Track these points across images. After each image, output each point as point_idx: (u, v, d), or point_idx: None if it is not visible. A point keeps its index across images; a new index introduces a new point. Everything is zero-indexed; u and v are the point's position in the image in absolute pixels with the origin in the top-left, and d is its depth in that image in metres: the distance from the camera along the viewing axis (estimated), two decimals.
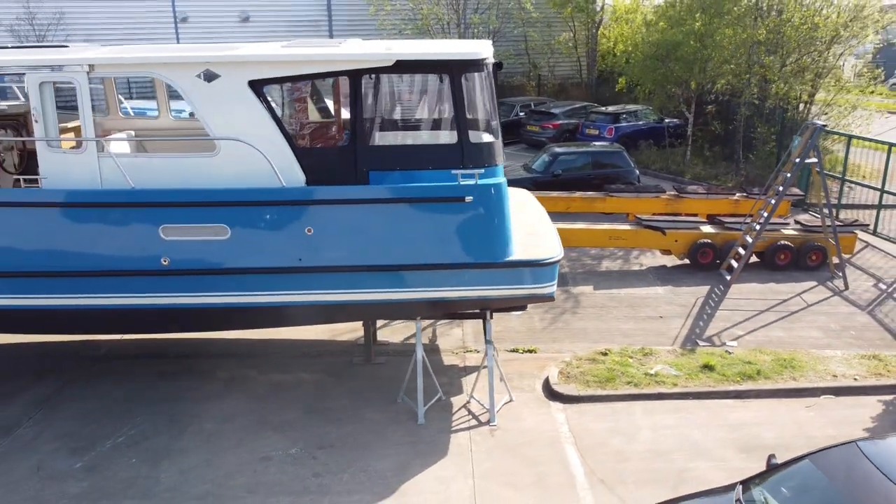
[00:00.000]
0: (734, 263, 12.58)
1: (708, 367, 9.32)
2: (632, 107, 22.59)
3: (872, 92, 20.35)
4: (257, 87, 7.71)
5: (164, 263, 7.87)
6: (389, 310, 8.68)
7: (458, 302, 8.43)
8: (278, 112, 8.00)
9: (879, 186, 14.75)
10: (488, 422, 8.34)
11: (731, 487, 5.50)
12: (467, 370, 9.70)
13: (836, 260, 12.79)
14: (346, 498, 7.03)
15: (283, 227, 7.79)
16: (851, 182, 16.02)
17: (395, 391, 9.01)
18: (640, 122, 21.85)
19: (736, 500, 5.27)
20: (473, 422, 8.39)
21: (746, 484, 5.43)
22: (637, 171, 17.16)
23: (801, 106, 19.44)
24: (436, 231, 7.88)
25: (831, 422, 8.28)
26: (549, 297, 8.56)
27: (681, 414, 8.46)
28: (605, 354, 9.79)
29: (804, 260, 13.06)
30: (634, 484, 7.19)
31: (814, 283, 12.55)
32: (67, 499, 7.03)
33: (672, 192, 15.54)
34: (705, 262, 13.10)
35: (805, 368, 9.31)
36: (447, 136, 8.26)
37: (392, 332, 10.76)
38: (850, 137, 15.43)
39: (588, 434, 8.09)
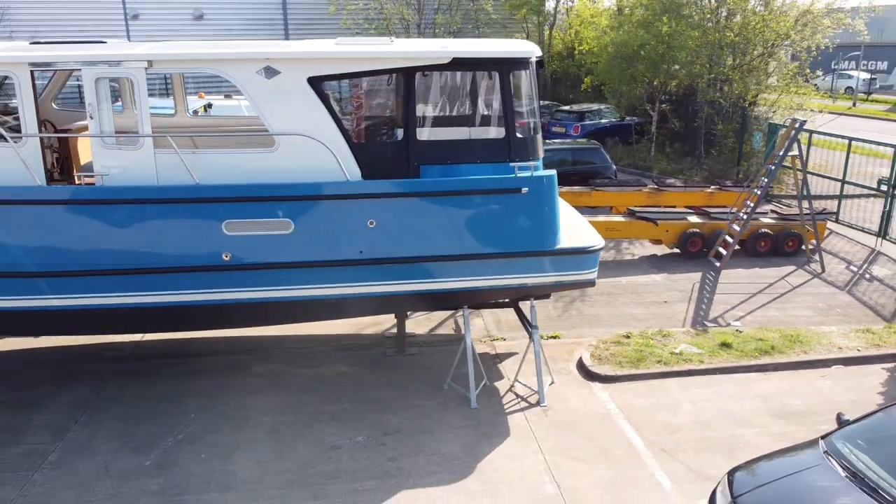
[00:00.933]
0: (722, 251, 13.45)
1: (726, 345, 10.03)
2: (595, 105, 23.48)
3: (796, 92, 21.64)
4: (316, 83, 7.86)
5: (225, 259, 7.91)
6: (438, 299, 8.95)
7: (507, 289, 8.79)
8: (335, 108, 8.15)
9: (841, 178, 15.99)
10: (538, 403, 8.74)
11: (813, 443, 6.10)
12: (500, 357, 10.08)
13: (812, 245, 13.86)
14: (427, 478, 7.28)
15: (347, 220, 7.97)
16: (813, 174, 17.26)
17: (436, 379, 9.30)
18: (604, 121, 22.75)
19: (823, 452, 5.87)
20: (524, 403, 8.77)
21: (827, 438, 6.04)
22: (614, 167, 17.95)
23: (751, 105, 20.74)
24: (492, 221, 8.22)
25: (847, 388, 9.09)
26: (591, 283, 9.04)
27: (713, 388, 9.10)
28: (628, 337, 10.35)
29: (782, 246, 14.06)
30: (693, 451, 7.74)
31: (793, 268, 13.55)
32: (149, 495, 7.01)
33: (653, 186, 16.39)
34: (694, 251, 13.92)
35: (812, 343, 10.14)
36: (495, 132, 8.62)
37: (416, 325, 11.02)
38: (812, 133, 16.63)
39: (634, 410, 8.61)
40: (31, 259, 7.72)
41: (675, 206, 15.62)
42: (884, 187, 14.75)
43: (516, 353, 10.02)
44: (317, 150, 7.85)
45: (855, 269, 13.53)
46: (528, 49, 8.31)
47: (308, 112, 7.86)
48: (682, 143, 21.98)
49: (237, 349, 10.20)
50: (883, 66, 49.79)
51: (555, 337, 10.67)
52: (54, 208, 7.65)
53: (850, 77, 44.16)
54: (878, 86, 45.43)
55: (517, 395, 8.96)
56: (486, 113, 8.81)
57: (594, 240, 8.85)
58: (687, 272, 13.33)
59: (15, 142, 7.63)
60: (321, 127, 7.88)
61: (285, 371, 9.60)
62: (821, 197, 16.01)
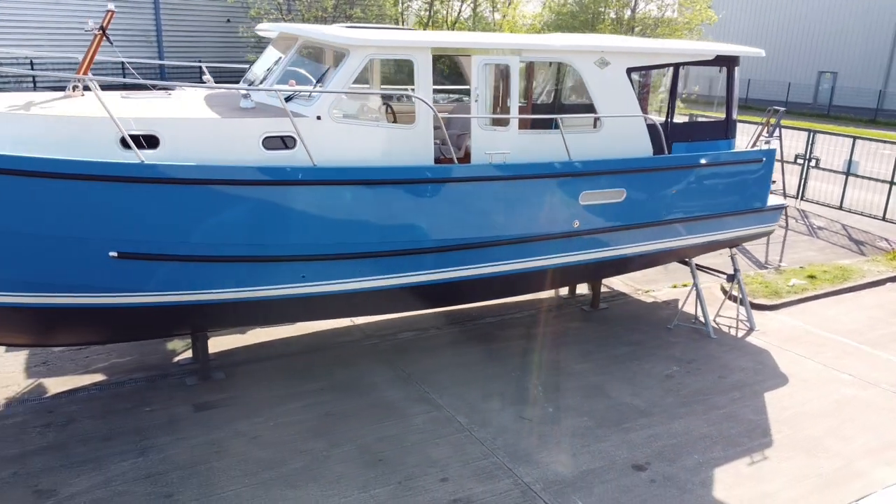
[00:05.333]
0: None
1: (811, 277, 13.32)
2: None
3: None
4: (630, 73, 9.31)
5: (575, 226, 9.01)
6: (700, 250, 10.83)
7: (732, 241, 11.00)
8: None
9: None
10: (750, 329, 11.09)
11: None
12: (668, 303, 12.21)
13: None
14: (763, 384, 9.26)
15: (662, 188, 9.53)
16: None
17: (640, 325, 11.12)
18: None
19: None
20: (742, 331, 11.06)
21: None
22: None
23: None
24: (741, 185, 10.38)
25: None
26: (772, 232, 11.65)
27: (842, 305, 12.25)
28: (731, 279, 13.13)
29: None
30: (888, 341, 10.72)
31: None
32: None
33: None
34: None
35: (855, 272, 13.85)
36: (717, 115, 10.75)
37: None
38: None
39: (815, 324, 11.37)
40: (426, 235, 8.09)
41: None
42: (800, 161, 19.54)
43: (676, 299, 12.24)
44: (630, 130, 9.32)
45: (806, 224, 17.96)
46: (744, 50, 10.57)
47: (624, 98, 9.28)
48: None
49: (460, 320, 11.00)
50: None
51: (685, 285, 13.07)
52: (443, 186, 8.11)
53: None
54: None
55: (728, 326, 11.21)
56: (715, 98, 10.90)
57: (780, 199, 11.45)
58: None
59: (411, 124, 7.95)
60: (633, 111, 9.35)
61: (534, 332, 10.67)
62: None
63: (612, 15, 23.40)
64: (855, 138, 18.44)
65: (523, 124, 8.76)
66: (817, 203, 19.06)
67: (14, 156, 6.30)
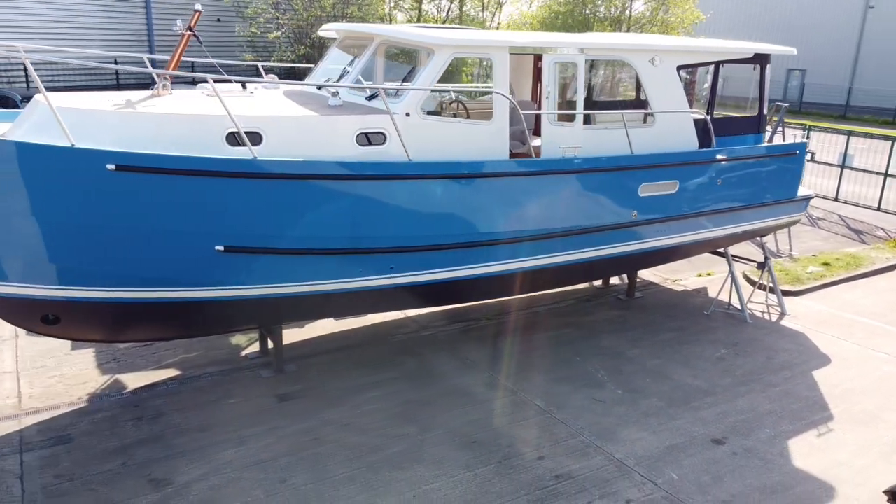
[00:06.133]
0: None
1: (826, 264, 14.00)
2: None
3: None
4: (679, 70, 9.78)
5: (634, 216, 9.44)
6: (738, 238, 11.37)
7: (772, 228, 11.56)
8: None
9: None
10: (782, 314, 11.67)
11: None
12: (698, 291, 12.75)
13: None
14: (813, 363, 9.82)
15: (711, 179, 10.02)
16: None
17: (678, 312, 11.64)
18: None
19: None
20: (775, 315, 11.64)
21: None
22: None
23: None
24: (778, 176, 10.93)
25: None
26: (799, 221, 12.25)
27: (859, 290, 12.92)
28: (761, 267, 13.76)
29: None
30: None
31: None
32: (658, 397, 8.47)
33: None
34: None
35: (864, 259, 14.59)
36: (750, 109, 11.29)
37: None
38: None
39: (839, 307, 12.00)
40: (507, 225, 8.44)
41: None
42: None
43: (705, 287, 12.79)
44: (679, 125, 9.78)
45: (807, 215, 18.70)
46: (777, 49, 11.13)
47: (674, 94, 9.74)
48: None
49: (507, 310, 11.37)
50: None
51: (709, 274, 13.64)
52: (518, 179, 8.45)
53: None
54: None
55: (761, 312, 11.77)
56: (743, 96, 11.43)
57: (808, 190, 12.06)
58: None
59: (488, 120, 8.27)
60: (682, 107, 9.82)
61: (580, 321, 11.09)
62: None
63: (602, 12, 24.02)
64: (849, 133, 19.31)
65: (586, 120, 9.15)
66: (815, 196, 19.87)
67: (144, 154, 6.45)
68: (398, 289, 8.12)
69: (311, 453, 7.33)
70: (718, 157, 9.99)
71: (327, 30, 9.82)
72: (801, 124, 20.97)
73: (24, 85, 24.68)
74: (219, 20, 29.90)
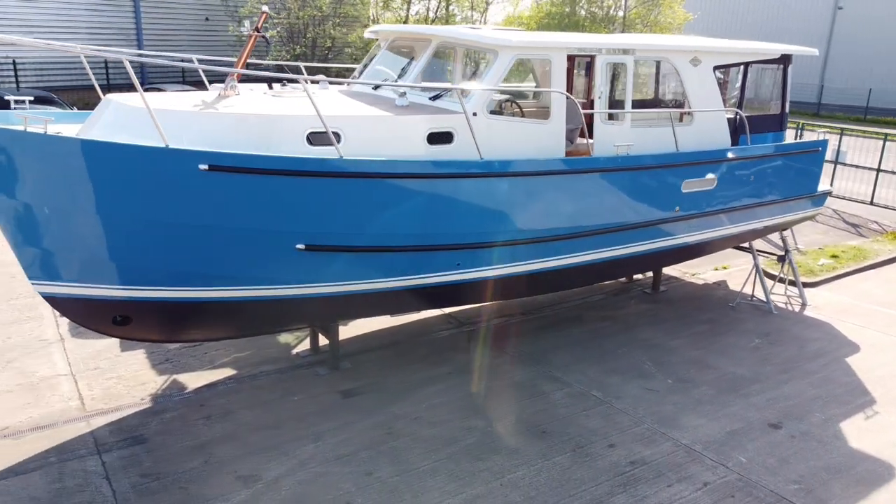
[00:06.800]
0: None
1: (835, 256, 14.54)
2: None
3: None
4: (715, 70, 10.13)
5: (676, 211, 9.75)
6: (763, 232, 11.77)
7: (794, 222, 11.99)
8: None
9: None
10: (804, 305, 12.12)
11: None
12: (719, 284, 13.15)
13: None
14: (841, 351, 10.25)
15: (741, 175, 10.38)
16: None
17: (705, 305, 12.03)
18: None
19: None
20: (797, 306, 12.07)
21: None
22: None
23: None
24: (801, 172, 11.36)
25: None
26: (818, 214, 12.73)
27: (869, 281, 13.44)
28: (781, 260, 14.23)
29: None
30: None
31: None
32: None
33: None
34: None
35: (867, 251, 15.17)
36: (774, 107, 11.70)
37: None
38: None
39: (855, 297, 12.49)
40: (569, 222, 8.68)
41: None
42: None
43: (724, 280, 13.21)
44: (715, 123, 10.14)
45: None
46: (800, 50, 11.56)
47: (712, 93, 10.08)
48: None
49: (549, 304, 11.63)
50: None
51: (725, 268, 14.07)
52: (585, 177, 8.70)
53: None
54: None
55: (783, 304, 12.21)
56: (766, 95, 11.83)
57: (827, 185, 12.54)
58: None
59: (545, 119, 8.50)
60: (719, 105, 10.17)
61: (615, 314, 11.38)
62: None
63: (596, 12, 24.49)
64: (843, 130, 19.99)
65: (633, 118, 9.43)
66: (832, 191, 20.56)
67: (238, 154, 6.53)
68: (461, 285, 8.29)
69: (388, 447, 7.47)
70: (755, 153, 10.37)
71: (375, 32, 9.94)
72: (792, 124, 21.63)
73: (14, 85, 24.19)
74: (207, 19, 29.65)
